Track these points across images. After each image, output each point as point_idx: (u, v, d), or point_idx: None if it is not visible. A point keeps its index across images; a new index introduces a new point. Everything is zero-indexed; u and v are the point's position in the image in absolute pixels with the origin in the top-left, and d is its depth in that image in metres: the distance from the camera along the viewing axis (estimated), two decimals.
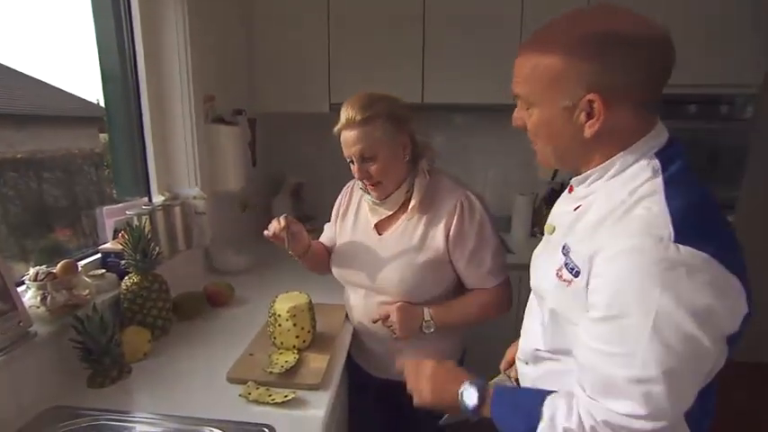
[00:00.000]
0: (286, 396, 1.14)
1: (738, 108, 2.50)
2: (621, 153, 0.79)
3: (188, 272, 1.91)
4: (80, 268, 1.34)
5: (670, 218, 0.69)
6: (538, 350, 0.92)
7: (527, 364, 0.98)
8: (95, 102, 1.89)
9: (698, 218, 0.71)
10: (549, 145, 0.85)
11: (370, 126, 1.29)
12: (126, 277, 1.42)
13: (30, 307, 1.18)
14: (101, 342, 1.18)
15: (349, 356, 1.47)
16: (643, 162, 0.78)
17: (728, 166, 2.52)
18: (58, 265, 1.28)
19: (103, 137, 1.92)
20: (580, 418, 0.75)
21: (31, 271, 1.23)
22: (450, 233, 1.35)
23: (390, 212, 1.43)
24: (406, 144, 1.37)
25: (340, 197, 1.61)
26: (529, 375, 0.98)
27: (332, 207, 1.62)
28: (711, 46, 2.21)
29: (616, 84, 0.74)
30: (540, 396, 0.83)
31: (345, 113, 1.31)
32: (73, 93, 1.92)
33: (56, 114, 1.96)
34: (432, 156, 1.44)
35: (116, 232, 1.56)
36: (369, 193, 1.42)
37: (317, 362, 1.30)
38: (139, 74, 1.78)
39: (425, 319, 1.37)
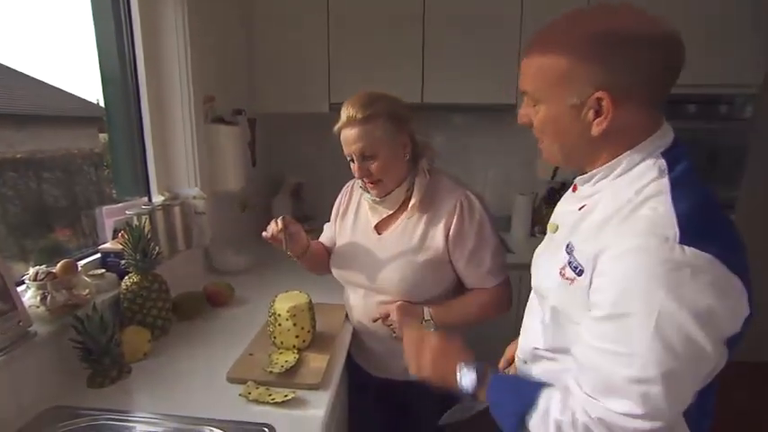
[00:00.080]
0: (286, 396, 1.14)
1: (738, 108, 2.50)
2: (628, 152, 0.79)
3: (188, 272, 1.91)
4: (80, 268, 1.34)
5: (676, 218, 0.69)
6: (537, 349, 0.92)
7: (526, 363, 0.98)
8: (95, 102, 1.89)
9: (703, 218, 0.71)
10: (555, 142, 0.85)
11: (371, 124, 1.29)
12: (126, 277, 1.42)
13: (29, 307, 1.18)
14: (101, 342, 1.18)
15: (349, 356, 1.47)
16: (649, 161, 0.77)
17: (728, 165, 2.52)
18: (58, 265, 1.28)
19: (103, 137, 1.92)
20: (574, 414, 0.75)
21: (31, 271, 1.23)
22: (450, 233, 1.35)
23: (390, 211, 1.43)
24: (406, 143, 1.37)
25: (340, 197, 1.61)
26: (527, 374, 0.98)
27: (331, 207, 1.62)
28: (711, 46, 2.21)
29: (625, 82, 0.74)
30: (538, 386, 0.83)
31: (346, 112, 1.31)
32: (73, 93, 1.92)
33: (56, 114, 1.96)
34: (431, 155, 1.44)
35: (116, 232, 1.56)
36: (369, 192, 1.42)
37: (316, 361, 1.30)
38: (139, 74, 1.78)
39: (425, 318, 1.37)
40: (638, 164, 0.78)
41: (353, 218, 1.53)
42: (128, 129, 1.80)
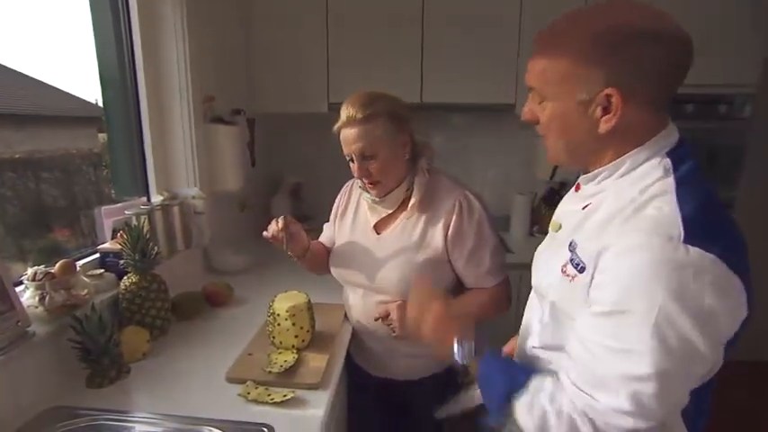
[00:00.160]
0: (285, 395, 1.14)
1: (736, 108, 2.50)
2: (634, 151, 0.79)
3: (187, 272, 1.91)
4: (78, 268, 1.34)
5: (680, 218, 0.69)
6: (534, 347, 0.92)
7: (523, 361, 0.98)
8: (94, 102, 1.89)
9: (707, 218, 0.71)
10: (561, 140, 0.84)
11: (371, 124, 1.29)
12: (125, 277, 1.42)
13: (28, 307, 1.17)
14: (99, 342, 1.18)
15: (348, 356, 1.47)
16: (654, 161, 0.77)
17: (726, 165, 2.52)
18: (57, 265, 1.27)
19: (102, 137, 1.92)
20: (561, 404, 0.75)
21: (30, 271, 1.23)
22: (449, 232, 1.35)
23: (390, 211, 1.43)
24: (406, 143, 1.37)
25: (339, 197, 1.61)
26: None
27: (331, 207, 1.62)
28: (711, 46, 2.20)
29: (635, 79, 0.74)
30: (531, 370, 0.84)
31: (346, 111, 1.31)
32: (72, 93, 1.92)
33: (55, 114, 1.96)
34: (431, 155, 1.44)
35: (115, 232, 1.56)
36: (368, 192, 1.42)
37: (316, 361, 1.30)
38: (138, 74, 1.77)
39: None
40: (642, 163, 0.78)
41: (353, 218, 1.53)
42: (127, 129, 1.80)
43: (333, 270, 1.55)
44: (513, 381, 0.82)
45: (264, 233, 1.42)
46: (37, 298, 1.20)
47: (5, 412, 1.05)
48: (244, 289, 1.84)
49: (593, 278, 0.75)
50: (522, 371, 0.84)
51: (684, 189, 0.72)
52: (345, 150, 1.35)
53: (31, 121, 1.79)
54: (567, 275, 0.81)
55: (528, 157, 2.81)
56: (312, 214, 2.71)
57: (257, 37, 2.48)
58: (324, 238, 1.64)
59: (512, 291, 1.45)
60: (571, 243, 0.82)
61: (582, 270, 0.77)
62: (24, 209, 1.62)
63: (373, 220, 1.47)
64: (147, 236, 1.45)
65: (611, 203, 0.78)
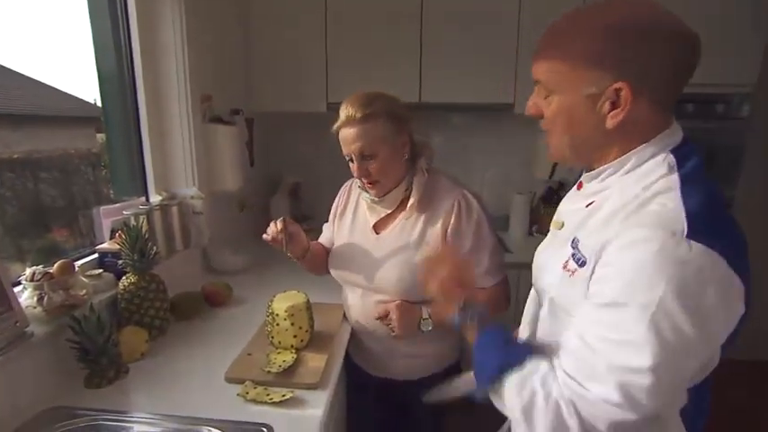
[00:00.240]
0: (284, 395, 1.14)
1: (735, 107, 2.51)
2: (639, 147, 0.78)
3: (185, 272, 1.90)
4: (77, 268, 1.34)
5: (684, 214, 0.69)
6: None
7: None
8: (92, 102, 1.88)
9: (711, 216, 0.71)
10: (566, 135, 0.83)
11: (371, 124, 1.29)
12: (123, 277, 1.42)
13: (26, 307, 1.17)
14: (98, 342, 1.18)
15: (347, 356, 1.47)
16: (659, 158, 0.77)
17: (725, 165, 2.52)
18: (55, 266, 1.27)
19: (101, 137, 1.92)
20: (551, 389, 0.75)
21: (28, 271, 1.23)
22: (448, 232, 1.35)
23: (389, 211, 1.43)
24: (405, 143, 1.37)
25: (338, 197, 1.61)
26: None
27: (330, 207, 1.62)
28: (710, 45, 2.21)
29: (646, 74, 0.74)
30: (529, 350, 0.83)
31: (345, 111, 1.31)
32: (70, 93, 1.91)
33: (53, 114, 1.95)
34: (430, 155, 1.44)
35: (113, 232, 1.56)
36: (367, 192, 1.41)
37: (315, 361, 1.30)
38: (136, 73, 1.77)
39: (423, 317, 1.37)
40: (647, 160, 0.78)
41: (352, 218, 1.53)
42: (125, 129, 1.80)
43: (332, 270, 1.55)
44: (510, 358, 0.81)
45: (264, 236, 1.42)
46: (35, 298, 1.20)
47: (4, 412, 1.05)
48: (243, 289, 1.84)
49: (593, 272, 0.75)
50: (522, 350, 0.84)
51: (688, 186, 0.72)
52: (345, 150, 1.35)
53: (29, 120, 1.79)
54: (568, 271, 0.81)
55: (527, 157, 2.81)
56: (311, 214, 2.71)
57: (256, 36, 2.47)
58: (323, 238, 1.64)
59: (510, 290, 1.45)
60: (573, 240, 0.82)
61: (582, 264, 0.77)
62: (22, 209, 1.61)
63: (372, 220, 1.47)
64: (146, 236, 1.45)
65: (616, 200, 0.78)
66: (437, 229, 1.36)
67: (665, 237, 0.67)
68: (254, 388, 1.17)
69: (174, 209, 1.78)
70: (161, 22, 1.80)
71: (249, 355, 1.33)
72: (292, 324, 1.33)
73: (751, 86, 2.39)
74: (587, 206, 0.85)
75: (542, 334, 0.90)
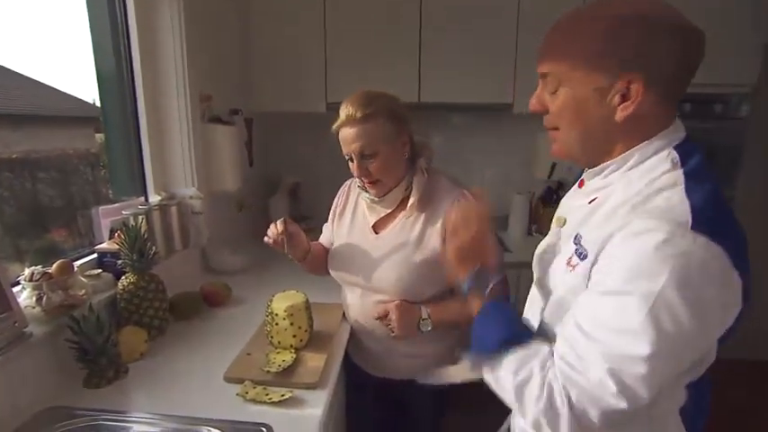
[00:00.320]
0: (283, 395, 1.14)
1: (733, 107, 2.51)
2: (642, 144, 0.79)
3: (185, 272, 1.90)
4: (76, 268, 1.33)
5: (689, 208, 0.69)
6: None
7: None
8: (91, 102, 1.88)
9: (715, 211, 0.71)
10: (574, 130, 0.82)
11: (371, 123, 1.29)
12: (122, 277, 1.42)
13: (25, 307, 1.17)
14: (97, 342, 1.17)
15: (346, 355, 1.47)
16: (662, 154, 0.77)
17: (724, 165, 2.53)
18: (54, 266, 1.27)
19: (99, 137, 1.91)
20: (548, 374, 0.75)
21: (27, 271, 1.22)
22: (448, 232, 1.35)
23: (388, 211, 1.43)
24: (405, 142, 1.37)
25: (337, 197, 1.60)
26: None
27: (329, 206, 1.62)
28: (709, 45, 2.21)
29: (657, 67, 0.74)
30: (536, 331, 0.83)
31: (345, 110, 1.31)
32: (69, 93, 1.91)
33: (52, 114, 1.95)
34: (429, 155, 1.44)
35: (112, 232, 1.56)
36: (367, 192, 1.41)
37: (314, 361, 1.30)
38: (135, 73, 1.77)
39: (423, 317, 1.37)
40: (650, 156, 0.78)
41: (351, 217, 1.53)
42: (124, 129, 1.80)
43: (331, 271, 1.54)
44: (513, 334, 0.81)
45: (265, 239, 1.41)
46: (34, 298, 1.19)
47: (3, 412, 1.05)
48: (242, 289, 1.83)
49: (594, 263, 0.75)
50: (526, 331, 0.83)
51: (693, 182, 0.72)
52: (345, 150, 1.35)
53: (28, 121, 1.78)
54: (570, 266, 0.81)
55: (526, 157, 2.81)
56: (310, 214, 2.70)
57: (255, 36, 2.48)
58: (323, 239, 1.64)
59: (510, 290, 1.45)
60: (576, 237, 0.82)
61: (584, 258, 0.77)
62: (21, 209, 1.61)
63: (372, 220, 1.47)
64: (145, 236, 1.45)
65: (619, 196, 0.78)
66: (437, 228, 1.36)
67: (669, 228, 0.67)
68: (254, 388, 1.17)
69: (173, 209, 1.78)
70: (160, 21, 1.80)
71: (248, 354, 1.33)
72: (291, 324, 1.33)
73: (750, 86, 2.39)
74: (590, 203, 0.85)
75: (544, 333, 0.90)
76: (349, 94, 1.35)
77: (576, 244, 0.81)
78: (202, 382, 1.23)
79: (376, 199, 1.41)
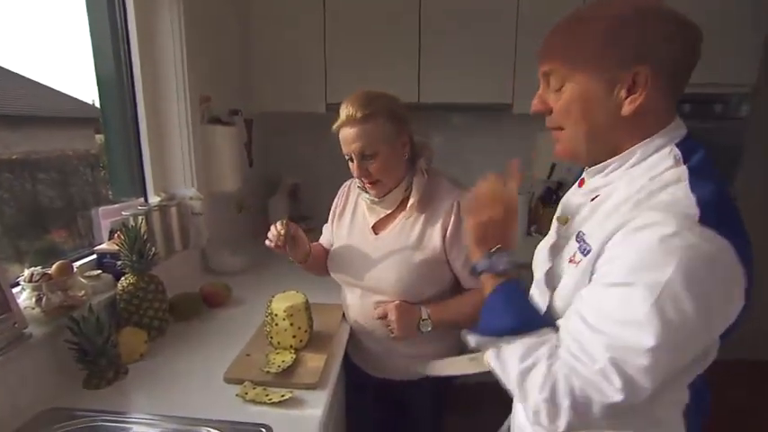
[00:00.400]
0: (283, 396, 1.14)
1: (733, 107, 2.51)
2: (644, 141, 0.79)
3: (184, 272, 1.90)
4: (75, 269, 1.34)
5: (696, 201, 0.69)
6: None
7: None
8: (91, 103, 1.88)
9: (721, 206, 0.71)
10: (581, 125, 0.82)
11: (371, 123, 1.29)
12: (122, 278, 1.42)
13: (25, 308, 1.17)
14: (96, 343, 1.17)
15: (346, 356, 1.47)
16: (664, 151, 0.78)
17: (724, 165, 2.52)
18: (54, 266, 1.27)
19: (99, 138, 1.91)
20: (553, 364, 0.74)
21: (26, 272, 1.22)
22: (448, 233, 1.35)
23: (388, 211, 1.43)
24: (405, 143, 1.37)
25: (337, 198, 1.60)
26: None
27: (329, 207, 1.62)
28: (709, 45, 2.21)
29: (661, 60, 0.74)
30: (545, 322, 0.82)
31: (346, 110, 1.31)
32: (68, 94, 1.91)
33: (51, 115, 1.95)
34: (429, 155, 1.44)
35: (112, 233, 1.56)
36: (367, 192, 1.41)
37: (314, 361, 1.30)
38: (135, 74, 1.77)
39: (422, 317, 1.37)
40: (652, 153, 0.78)
41: (351, 218, 1.53)
42: (124, 130, 1.80)
43: (331, 271, 1.54)
44: (524, 321, 0.80)
45: (267, 242, 1.41)
46: (34, 299, 1.19)
47: (3, 413, 1.05)
48: (241, 289, 1.83)
49: (597, 257, 0.75)
50: (538, 319, 0.82)
51: (697, 178, 0.73)
52: (345, 150, 1.35)
53: (28, 121, 1.79)
54: (573, 263, 0.81)
55: (526, 157, 2.81)
56: (310, 215, 2.70)
57: (255, 39, 2.48)
58: (323, 240, 1.64)
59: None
60: (578, 234, 0.82)
61: (587, 253, 0.77)
62: (21, 210, 1.61)
63: (372, 221, 1.47)
64: (145, 237, 1.45)
65: (622, 192, 0.78)
66: (437, 229, 1.36)
67: (677, 221, 0.67)
68: (253, 388, 1.17)
69: (173, 209, 1.78)
70: (159, 23, 1.80)
71: (248, 355, 1.33)
72: (291, 324, 1.33)
73: (750, 86, 2.39)
74: (592, 200, 0.85)
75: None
76: (348, 94, 1.35)
77: (578, 241, 0.81)
78: (202, 382, 1.23)
79: (376, 199, 1.41)
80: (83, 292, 1.29)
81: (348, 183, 1.59)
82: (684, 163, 0.75)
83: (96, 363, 1.19)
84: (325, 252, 1.59)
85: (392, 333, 1.38)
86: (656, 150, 0.78)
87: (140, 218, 1.59)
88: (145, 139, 1.83)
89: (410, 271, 1.37)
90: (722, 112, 2.52)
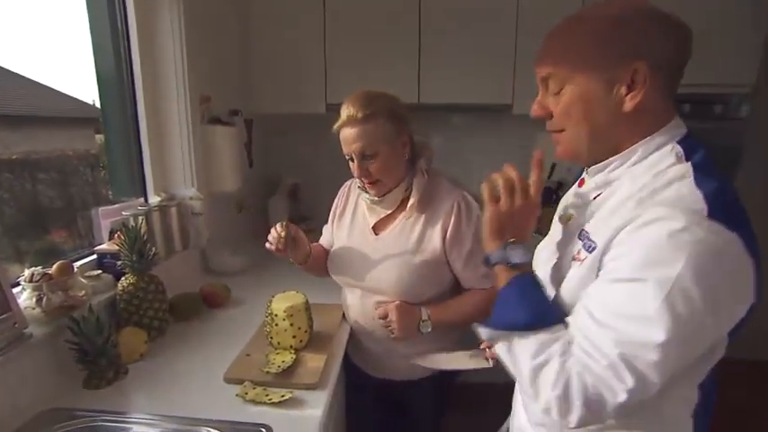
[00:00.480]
0: (283, 396, 1.14)
1: (733, 108, 2.51)
2: (645, 139, 0.79)
3: (184, 273, 1.90)
4: (76, 269, 1.33)
5: (703, 196, 0.69)
6: None
7: None
8: (91, 103, 1.88)
9: (727, 201, 0.71)
10: (584, 126, 0.82)
11: (372, 124, 1.29)
12: (122, 278, 1.42)
13: (25, 308, 1.17)
14: (97, 343, 1.17)
15: (346, 356, 1.47)
16: (666, 149, 0.78)
17: (723, 165, 2.49)
18: (54, 266, 1.27)
19: (99, 138, 1.92)
20: (567, 361, 0.74)
21: (27, 272, 1.22)
22: (448, 234, 1.35)
23: (388, 211, 1.43)
24: (405, 143, 1.37)
25: (337, 198, 1.60)
26: None
27: (329, 207, 1.62)
28: (709, 45, 2.20)
29: (657, 56, 0.75)
30: (559, 316, 0.80)
31: (346, 111, 1.31)
32: (68, 94, 1.92)
33: (51, 115, 1.95)
34: (429, 156, 1.44)
35: (112, 233, 1.56)
36: (367, 192, 1.41)
37: (314, 361, 1.30)
38: (135, 74, 1.77)
39: (422, 318, 1.37)
40: (653, 151, 0.79)
41: (351, 218, 1.53)
42: (124, 130, 1.80)
43: (331, 272, 1.54)
44: (537, 315, 0.79)
45: (267, 245, 1.41)
46: (34, 299, 1.19)
47: (3, 413, 1.05)
48: (241, 290, 1.83)
49: (604, 253, 0.75)
50: (553, 313, 0.81)
51: (701, 174, 0.73)
52: (345, 150, 1.35)
53: (28, 121, 1.79)
54: (578, 260, 0.81)
55: (527, 158, 2.81)
56: (310, 215, 2.70)
57: (255, 39, 2.48)
58: (324, 240, 1.64)
59: None
60: (581, 232, 0.82)
61: (592, 250, 0.77)
62: (21, 210, 1.61)
63: (372, 221, 1.47)
64: (145, 237, 1.45)
65: (625, 190, 0.78)
66: (437, 230, 1.36)
67: (685, 216, 0.67)
68: (253, 388, 1.17)
69: (173, 210, 1.78)
70: (160, 23, 1.80)
71: (248, 355, 1.33)
72: (291, 324, 1.33)
73: (750, 86, 2.39)
74: (594, 198, 0.85)
75: None
76: (349, 94, 1.35)
77: (582, 239, 0.82)
78: (202, 382, 1.23)
79: (376, 199, 1.41)
80: (83, 292, 1.29)
81: (348, 183, 1.59)
82: (687, 160, 0.76)
83: (96, 363, 1.19)
84: (326, 253, 1.59)
85: (392, 333, 1.38)
86: (658, 148, 0.79)
87: (140, 218, 1.59)
88: (145, 139, 1.83)
89: (410, 272, 1.37)
90: (722, 113, 2.52)
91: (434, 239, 1.36)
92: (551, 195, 2.74)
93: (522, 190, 0.87)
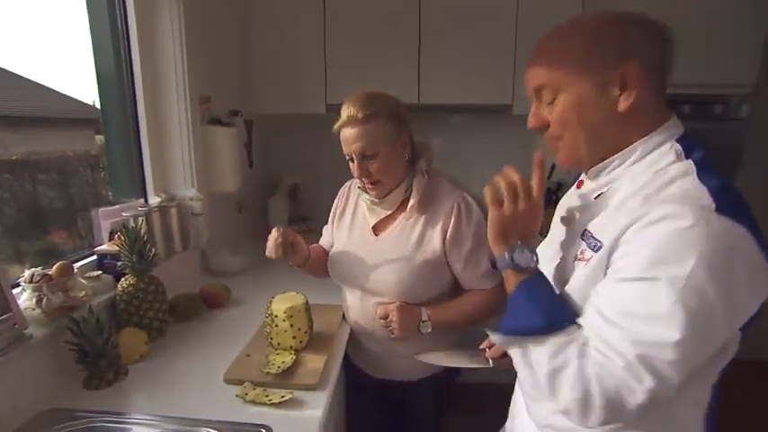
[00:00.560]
0: (283, 396, 1.14)
1: (733, 108, 2.50)
2: (644, 138, 0.80)
3: (184, 273, 1.90)
4: (76, 270, 1.33)
5: (709, 192, 0.69)
6: None
7: None
8: (91, 103, 1.88)
9: (733, 196, 0.71)
10: (581, 131, 0.82)
11: (372, 124, 1.29)
12: (122, 279, 1.42)
13: (25, 309, 1.17)
14: (97, 344, 1.17)
15: (346, 356, 1.47)
16: (665, 147, 0.79)
17: (723, 166, 2.48)
18: (54, 267, 1.27)
19: (99, 138, 1.92)
20: (585, 363, 0.73)
21: (27, 273, 1.22)
22: (448, 235, 1.35)
23: (389, 212, 1.43)
24: (405, 143, 1.37)
25: (337, 198, 1.60)
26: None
27: (329, 207, 1.62)
28: (708, 46, 2.21)
29: (647, 53, 0.76)
30: (571, 316, 0.80)
31: (347, 111, 1.31)
32: (68, 94, 1.91)
33: (51, 116, 1.95)
34: (429, 156, 1.44)
35: (112, 234, 1.56)
36: (367, 193, 1.41)
37: (314, 362, 1.30)
38: (135, 75, 1.77)
39: (423, 319, 1.37)
40: (652, 150, 0.79)
41: (351, 219, 1.53)
42: (124, 130, 1.80)
43: (331, 273, 1.54)
44: (551, 319, 0.78)
45: (267, 253, 1.41)
46: (34, 300, 1.19)
47: (3, 414, 1.05)
48: (241, 290, 1.83)
49: (611, 252, 0.75)
50: (566, 314, 0.80)
51: (704, 171, 0.73)
52: (345, 150, 1.35)
53: (28, 122, 1.79)
54: (583, 260, 0.80)
55: (526, 158, 2.81)
56: (310, 215, 2.71)
57: (255, 39, 2.47)
58: (324, 241, 1.64)
59: None
60: (584, 232, 0.82)
61: (598, 249, 0.77)
62: (21, 211, 1.61)
63: (372, 221, 1.46)
64: (145, 237, 1.45)
65: (627, 188, 0.79)
66: (437, 231, 1.36)
67: (694, 212, 0.67)
68: (253, 389, 1.17)
69: (173, 210, 1.78)
70: (160, 23, 1.80)
71: (248, 356, 1.33)
72: (291, 325, 1.33)
73: (750, 87, 2.39)
74: (595, 198, 0.86)
75: None
76: (349, 95, 1.35)
77: (585, 239, 0.82)
78: (202, 383, 1.23)
79: (376, 200, 1.41)
80: (83, 292, 1.30)
81: (348, 183, 1.59)
82: (687, 158, 0.76)
83: (96, 363, 1.19)
84: (325, 254, 1.59)
85: (393, 334, 1.38)
86: (656, 147, 0.79)
87: (140, 219, 1.59)
88: (145, 139, 1.83)
89: (410, 273, 1.37)
90: (722, 113, 2.52)
91: (434, 240, 1.36)
92: (551, 196, 2.74)
93: (525, 192, 0.86)
